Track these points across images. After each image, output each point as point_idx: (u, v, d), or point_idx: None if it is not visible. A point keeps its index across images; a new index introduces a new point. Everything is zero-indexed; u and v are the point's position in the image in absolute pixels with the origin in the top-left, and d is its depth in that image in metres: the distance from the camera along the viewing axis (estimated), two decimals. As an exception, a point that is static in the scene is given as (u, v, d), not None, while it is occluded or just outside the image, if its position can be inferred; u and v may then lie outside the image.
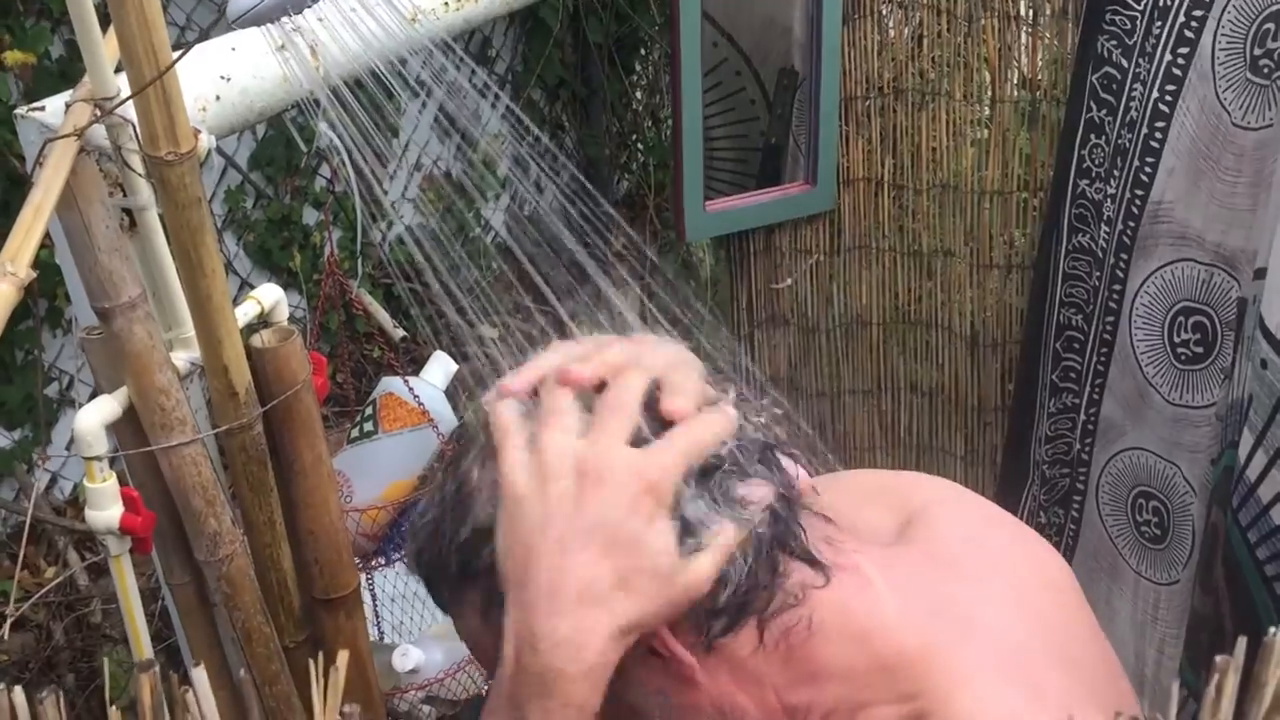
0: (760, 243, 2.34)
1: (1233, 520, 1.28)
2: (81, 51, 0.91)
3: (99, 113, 0.92)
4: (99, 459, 1.01)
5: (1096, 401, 1.86)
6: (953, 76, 2.18)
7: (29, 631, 2.25)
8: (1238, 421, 1.29)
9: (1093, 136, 1.81)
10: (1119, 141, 1.73)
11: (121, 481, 1.05)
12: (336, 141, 0.97)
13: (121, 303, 0.96)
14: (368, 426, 1.87)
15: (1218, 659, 0.43)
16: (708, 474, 0.71)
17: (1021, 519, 0.93)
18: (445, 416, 1.88)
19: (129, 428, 1.03)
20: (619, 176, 3.90)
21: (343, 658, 0.44)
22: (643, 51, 3.84)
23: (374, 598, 1.78)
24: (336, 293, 1.63)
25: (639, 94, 3.93)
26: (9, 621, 2.05)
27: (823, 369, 2.42)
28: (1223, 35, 1.53)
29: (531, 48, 3.58)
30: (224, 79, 1.09)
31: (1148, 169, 1.66)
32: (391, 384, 1.90)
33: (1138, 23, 1.69)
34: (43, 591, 2.19)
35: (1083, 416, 1.89)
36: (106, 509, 1.02)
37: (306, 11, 1.10)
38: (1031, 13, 2.10)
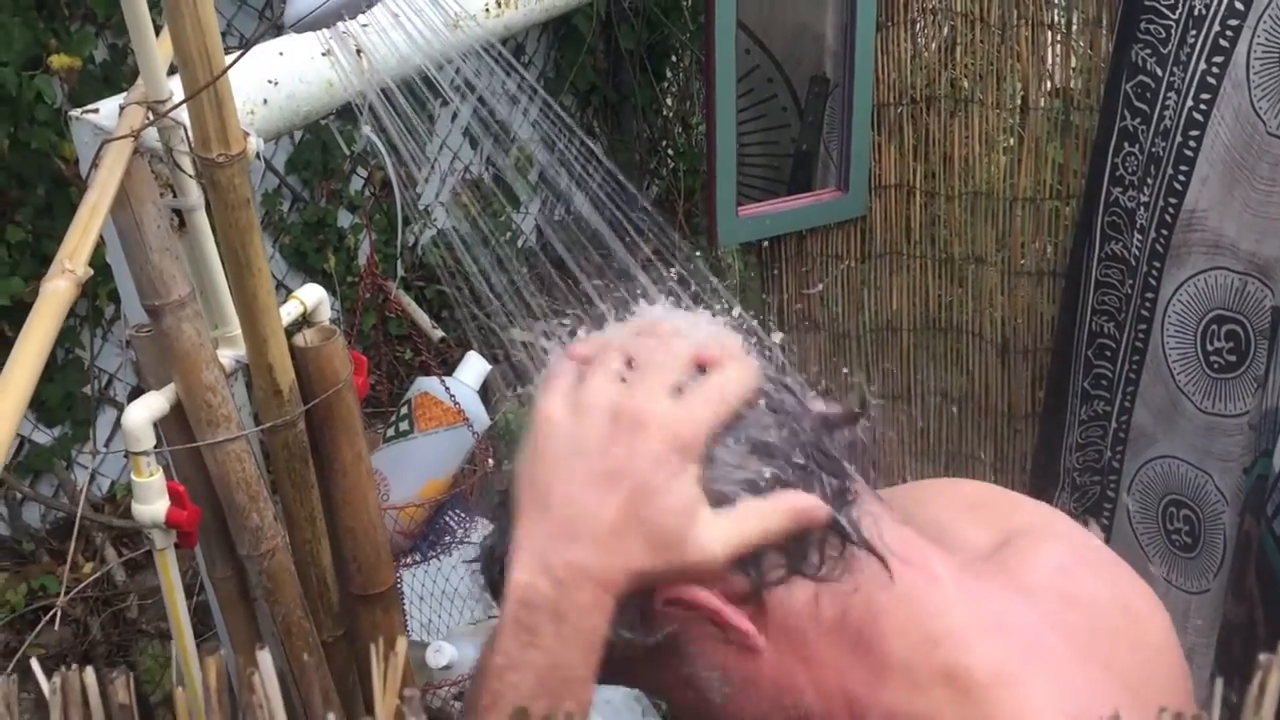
0: (792, 248, 2.35)
1: (1267, 528, 1.28)
2: (136, 55, 0.93)
3: (153, 115, 0.94)
4: (146, 454, 1.03)
5: (1128, 409, 1.86)
6: (985, 84, 2.19)
7: (67, 626, 2.28)
8: (1271, 430, 1.30)
9: (1126, 144, 1.81)
10: (1153, 149, 1.74)
11: (166, 476, 1.07)
12: (380, 145, 0.99)
13: (171, 301, 0.98)
14: (403, 426, 1.88)
15: (1261, 657, 0.43)
16: (740, 438, 0.71)
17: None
18: (479, 416, 1.89)
19: (175, 424, 1.05)
20: (649, 182, 3.91)
21: (402, 643, 0.46)
22: (674, 58, 3.86)
23: (402, 596, 1.79)
24: (375, 294, 1.65)
25: (669, 100, 3.94)
26: (56, 613, 2.08)
27: (853, 375, 2.42)
28: (1258, 44, 1.53)
29: (564, 54, 3.60)
30: (271, 83, 1.11)
31: (1181, 177, 1.66)
32: (427, 384, 1.91)
33: (1172, 31, 1.69)
34: (81, 586, 2.22)
35: (1114, 424, 1.89)
36: (153, 503, 1.04)
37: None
38: (1065, 21, 2.11)
